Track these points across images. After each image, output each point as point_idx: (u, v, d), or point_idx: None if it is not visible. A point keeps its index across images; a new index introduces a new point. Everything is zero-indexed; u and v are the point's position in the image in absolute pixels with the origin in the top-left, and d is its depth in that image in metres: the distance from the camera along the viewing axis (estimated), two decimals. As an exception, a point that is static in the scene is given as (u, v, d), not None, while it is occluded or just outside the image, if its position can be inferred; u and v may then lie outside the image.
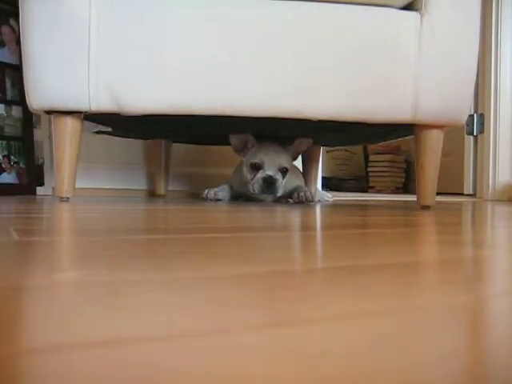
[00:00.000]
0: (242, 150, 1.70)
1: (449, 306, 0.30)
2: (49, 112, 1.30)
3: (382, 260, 0.49)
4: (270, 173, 1.61)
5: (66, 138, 1.29)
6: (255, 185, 1.62)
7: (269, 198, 1.64)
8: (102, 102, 1.25)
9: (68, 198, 1.32)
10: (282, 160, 1.65)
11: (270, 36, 1.28)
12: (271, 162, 1.62)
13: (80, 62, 1.23)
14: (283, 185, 1.65)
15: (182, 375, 0.18)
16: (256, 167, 1.63)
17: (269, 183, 1.61)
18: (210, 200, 1.67)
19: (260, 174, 1.62)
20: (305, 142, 1.74)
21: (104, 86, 1.24)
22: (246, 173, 1.66)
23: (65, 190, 1.31)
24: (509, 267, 0.49)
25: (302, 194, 1.65)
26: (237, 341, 0.22)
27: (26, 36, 1.24)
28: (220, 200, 1.68)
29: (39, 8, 1.23)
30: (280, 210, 1.30)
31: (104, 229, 0.73)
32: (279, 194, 1.64)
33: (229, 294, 0.32)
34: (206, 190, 1.71)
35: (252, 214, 1.13)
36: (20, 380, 0.17)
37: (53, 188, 1.87)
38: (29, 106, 1.30)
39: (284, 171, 1.65)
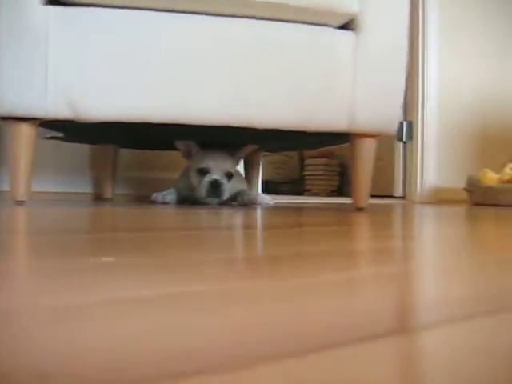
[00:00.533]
0: (189, 155, 1.78)
1: (379, 275, 0.41)
2: (4, 118, 1.34)
3: (320, 249, 0.59)
4: (216, 177, 1.70)
5: (22, 144, 1.33)
6: (202, 189, 1.70)
7: (215, 201, 1.71)
8: (59, 109, 1.29)
9: (24, 201, 1.36)
10: (228, 165, 1.74)
11: (216, 51, 1.37)
12: (217, 166, 1.71)
13: (38, 69, 1.27)
14: (228, 188, 1.74)
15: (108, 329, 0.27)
16: (203, 172, 1.71)
17: (215, 187, 1.69)
18: (158, 203, 1.74)
19: (207, 179, 1.70)
20: (249, 148, 1.84)
21: (62, 93, 1.28)
22: (193, 177, 1.74)
23: (21, 194, 1.35)
24: (428, 252, 0.60)
25: (246, 197, 1.76)
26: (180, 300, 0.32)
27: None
28: (168, 203, 1.75)
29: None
30: (225, 212, 1.39)
31: (57, 229, 0.80)
32: (225, 197, 1.72)
33: (175, 272, 0.41)
34: (155, 194, 1.77)
35: (199, 216, 1.21)
36: None
37: None
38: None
39: (229, 175, 1.74)
